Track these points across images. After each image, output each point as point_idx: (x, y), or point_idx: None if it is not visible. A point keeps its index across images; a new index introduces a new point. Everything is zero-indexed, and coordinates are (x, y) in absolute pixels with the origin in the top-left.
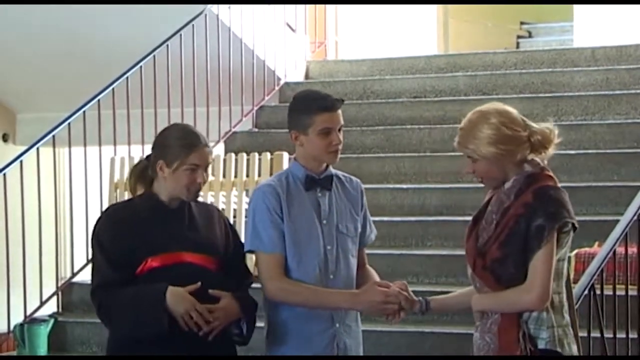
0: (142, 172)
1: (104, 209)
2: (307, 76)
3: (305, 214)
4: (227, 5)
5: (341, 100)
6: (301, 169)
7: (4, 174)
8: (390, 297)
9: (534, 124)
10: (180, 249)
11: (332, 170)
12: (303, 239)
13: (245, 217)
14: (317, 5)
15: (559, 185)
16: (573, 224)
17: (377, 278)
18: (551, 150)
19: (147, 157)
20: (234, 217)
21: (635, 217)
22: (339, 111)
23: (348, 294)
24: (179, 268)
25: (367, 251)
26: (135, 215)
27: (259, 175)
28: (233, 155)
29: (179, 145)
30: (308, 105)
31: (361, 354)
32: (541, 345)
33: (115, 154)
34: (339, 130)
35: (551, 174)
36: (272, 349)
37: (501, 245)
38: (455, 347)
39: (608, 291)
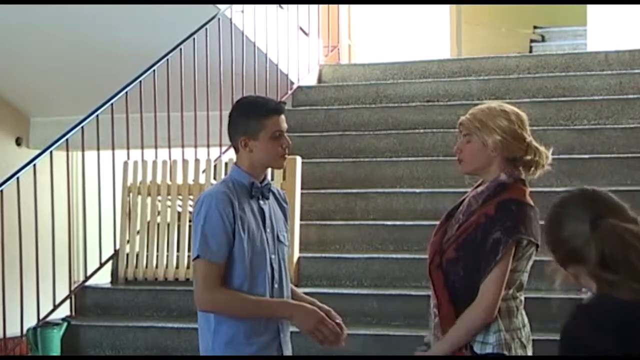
0: None
1: (116, 212)
2: (319, 80)
3: (253, 222)
4: (241, 10)
5: (285, 102)
6: (246, 176)
7: (18, 178)
8: (327, 324)
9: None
10: None
11: (268, 178)
12: (255, 247)
13: None
14: (330, 9)
15: (530, 200)
16: (531, 241)
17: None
18: (539, 172)
19: None
20: None
21: None
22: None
23: (290, 303)
24: None
25: (381, 255)
26: None
27: (272, 179)
28: None
29: None
30: (257, 109)
31: None
32: (488, 349)
33: (128, 158)
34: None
35: (525, 187)
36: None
37: (457, 248)
38: None
39: None
